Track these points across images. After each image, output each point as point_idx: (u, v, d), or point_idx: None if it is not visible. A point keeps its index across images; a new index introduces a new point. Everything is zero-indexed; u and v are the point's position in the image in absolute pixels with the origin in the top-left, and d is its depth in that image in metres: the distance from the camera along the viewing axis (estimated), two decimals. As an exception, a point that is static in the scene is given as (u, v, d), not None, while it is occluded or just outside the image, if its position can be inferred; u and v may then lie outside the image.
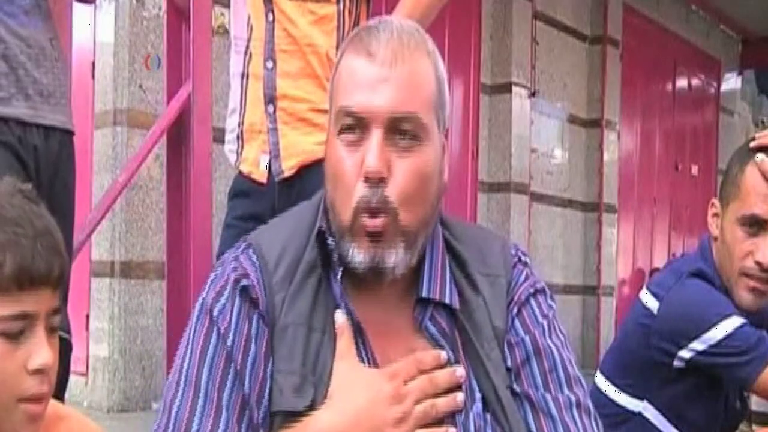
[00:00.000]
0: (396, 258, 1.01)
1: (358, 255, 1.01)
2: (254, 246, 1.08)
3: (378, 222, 0.99)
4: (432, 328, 1.06)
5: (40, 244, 0.94)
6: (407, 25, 1.06)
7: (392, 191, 0.99)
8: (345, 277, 1.04)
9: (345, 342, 1.03)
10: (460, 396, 1.03)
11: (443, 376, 1.04)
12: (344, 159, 1.01)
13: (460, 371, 1.04)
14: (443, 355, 1.05)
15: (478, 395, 1.04)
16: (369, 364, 1.04)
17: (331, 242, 1.04)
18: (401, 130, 1.00)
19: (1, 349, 0.93)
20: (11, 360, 0.93)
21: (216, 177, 3.12)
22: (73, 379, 4.03)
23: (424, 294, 1.05)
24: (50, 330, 0.97)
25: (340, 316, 1.04)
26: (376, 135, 0.99)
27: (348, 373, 1.01)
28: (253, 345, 1.01)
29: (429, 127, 1.02)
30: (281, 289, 1.04)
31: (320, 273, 1.05)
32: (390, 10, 1.88)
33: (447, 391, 1.04)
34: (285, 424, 1.00)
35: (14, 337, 0.94)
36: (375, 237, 1.00)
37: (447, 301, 1.06)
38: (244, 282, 1.04)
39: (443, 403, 1.03)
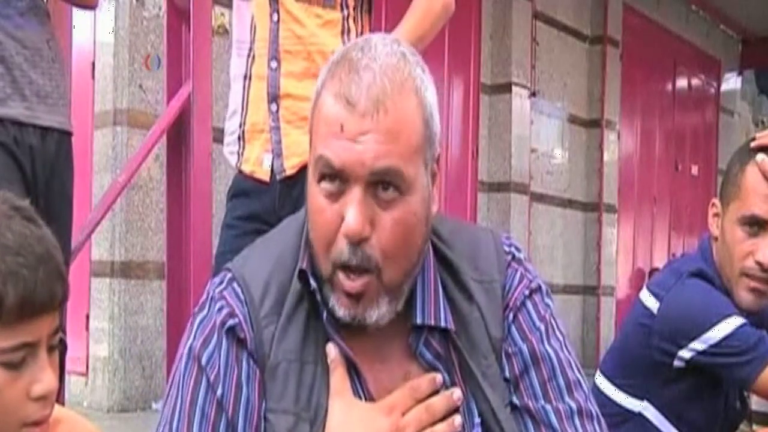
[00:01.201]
0: (379, 313, 0.98)
1: (339, 310, 0.98)
2: (238, 279, 1.05)
3: (358, 283, 0.96)
4: (427, 354, 1.03)
5: (42, 272, 0.91)
6: (393, 58, 0.97)
7: (375, 247, 0.95)
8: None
9: (339, 377, 1.01)
10: (457, 419, 1.02)
11: (440, 403, 1.02)
12: (324, 210, 0.97)
13: (457, 393, 1.02)
14: (438, 377, 1.03)
15: (477, 420, 1.03)
16: (364, 398, 1.02)
17: (313, 283, 1.01)
18: (384, 181, 0.95)
19: (3, 379, 0.91)
20: (13, 388, 0.92)
21: (216, 177, 3.13)
22: (73, 379, 4.04)
23: (419, 321, 1.02)
24: (51, 349, 0.95)
25: (332, 350, 1.01)
26: (356, 192, 0.94)
27: (344, 412, 0.99)
28: (244, 389, 0.99)
29: (414, 177, 0.96)
30: (270, 323, 1.01)
31: (308, 303, 1.02)
32: (389, 20, 1.88)
33: (445, 416, 1.02)
34: None
35: (16, 367, 0.92)
36: (355, 296, 0.97)
37: (442, 324, 1.03)
38: (230, 322, 1.01)
39: (441, 431, 1.01)
